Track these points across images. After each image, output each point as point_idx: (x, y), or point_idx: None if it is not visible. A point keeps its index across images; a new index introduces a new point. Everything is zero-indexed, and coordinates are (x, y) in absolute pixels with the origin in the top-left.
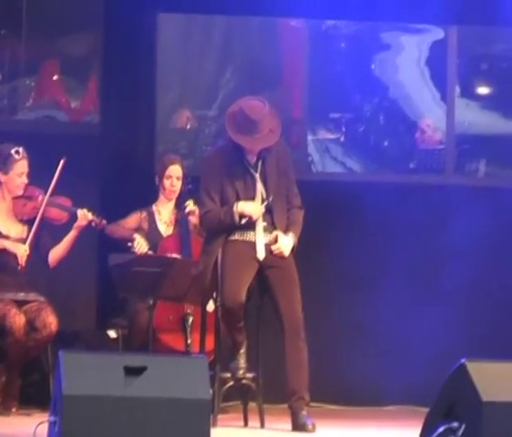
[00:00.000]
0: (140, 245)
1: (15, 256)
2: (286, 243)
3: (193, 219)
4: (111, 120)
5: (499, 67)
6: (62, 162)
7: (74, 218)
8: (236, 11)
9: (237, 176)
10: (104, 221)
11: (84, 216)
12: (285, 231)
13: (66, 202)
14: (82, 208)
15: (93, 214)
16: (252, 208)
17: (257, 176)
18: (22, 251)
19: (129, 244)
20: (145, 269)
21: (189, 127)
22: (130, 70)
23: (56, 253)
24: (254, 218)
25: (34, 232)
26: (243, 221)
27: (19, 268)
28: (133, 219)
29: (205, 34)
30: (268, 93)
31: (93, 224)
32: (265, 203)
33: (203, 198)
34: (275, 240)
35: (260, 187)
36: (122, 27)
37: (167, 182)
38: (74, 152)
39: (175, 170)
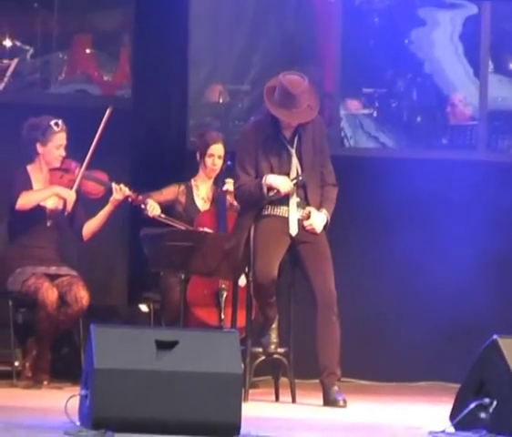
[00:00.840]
0: (153, 208)
1: (50, 216)
2: (319, 220)
3: (230, 198)
4: (143, 94)
5: None
6: (109, 110)
7: (110, 192)
8: None
9: (272, 150)
10: (140, 197)
11: (120, 191)
12: (319, 208)
13: (103, 176)
14: (118, 182)
15: (129, 189)
16: (281, 181)
17: (293, 151)
18: (71, 196)
19: (142, 206)
20: (177, 244)
21: (221, 101)
22: (162, 44)
23: (90, 227)
24: (282, 191)
25: (76, 187)
26: (271, 194)
27: (66, 214)
28: (170, 191)
29: (237, 8)
30: (301, 68)
31: (129, 199)
32: (295, 180)
33: (238, 171)
34: (308, 216)
35: (295, 162)
36: (154, 2)
37: (208, 160)
38: (110, 121)
39: (217, 149)
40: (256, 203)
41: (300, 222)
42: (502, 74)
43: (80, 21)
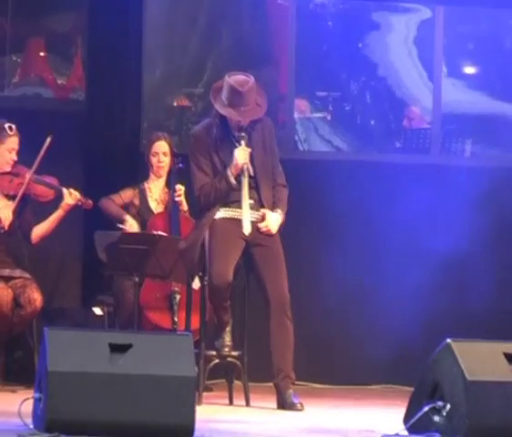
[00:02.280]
0: (132, 226)
1: None
2: (274, 220)
3: (183, 206)
4: (97, 97)
5: (485, 47)
6: (48, 140)
7: (60, 196)
8: None
9: (224, 150)
10: (90, 201)
11: (71, 195)
12: (272, 209)
13: (53, 181)
14: (68, 187)
15: (79, 194)
16: (236, 156)
17: None
18: (5, 214)
19: (120, 225)
20: (130, 247)
21: (175, 104)
22: (116, 47)
23: (39, 230)
24: (242, 162)
25: (16, 203)
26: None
27: (2, 231)
28: (128, 194)
29: (192, 11)
30: (255, 71)
31: (79, 204)
32: (242, 140)
33: (196, 173)
34: (262, 218)
35: None
36: (108, 4)
37: (153, 159)
38: (60, 129)
39: (161, 146)
40: (222, 197)
41: (254, 224)
42: (455, 77)
43: (34, 24)
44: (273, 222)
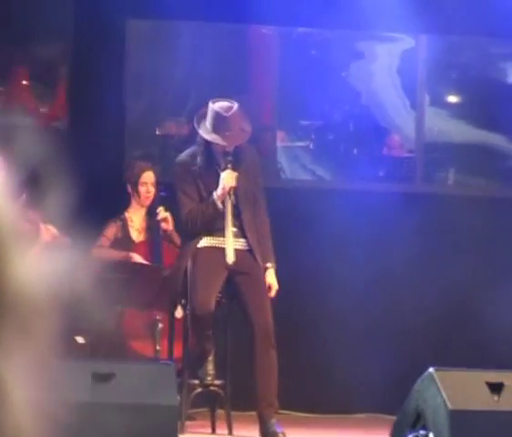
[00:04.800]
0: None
1: None
2: (274, 279)
3: (165, 225)
4: (80, 126)
5: (469, 76)
6: None
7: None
8: (206, 18)
9: (209, 178)
10: (67, 238)
11: (47, 231)
12: (263, 260)
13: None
14: (46, 222)
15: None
16: (223, 180)
17: None
18: None
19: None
20: (113, 276)
21: (158, 132)
22: (99, 76)
23: None
24: (228, 186)
25: None
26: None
27: None
28: (110, 231)
29: (174, 40)
30: (237, 99)
31: (55, 241)
32: (228, 163)
33: (182, 199)
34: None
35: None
36: (91, 33)
37: (142, 189)
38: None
39: (149, 176)
40: (209, 222)
41: (237, 252)
42: (438, 106)
43: (17, 53)
44: (274, 280)
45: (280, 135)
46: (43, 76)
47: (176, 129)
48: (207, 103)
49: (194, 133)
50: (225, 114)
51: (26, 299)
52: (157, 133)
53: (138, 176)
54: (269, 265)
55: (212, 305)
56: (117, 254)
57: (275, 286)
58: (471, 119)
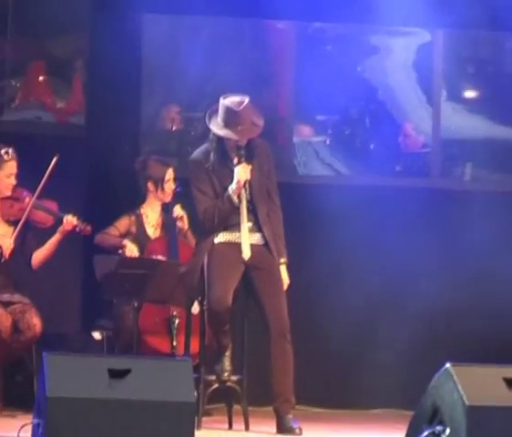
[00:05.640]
0: (131, 251)
1: None
2: (285, 276)
3: (180, 224)
4: (97, 121)
5: (485, 71)
6: (54, 160)
7: (59, 222)
8: (222, 12)
9: (223, 174)
10: (88, 227)
11: (69, 221)
12: (272, 240)
13: (53, 206)
14: (67, 212)
15: (78, 219)
16: (237, 174)
17: None
18: (6, 244)
19: (120, 251)
20: (129, 271)
21: (174, 128)
22: (116, 71)
23: (39, 255)
24: (243, 180)
25: (18, 231)
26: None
27: (2, 260)
28: (123, 224)
29: (191, 35)
30: (254, 94)
31: (77, 229)
32: (240, 156)
33: (198, 197)
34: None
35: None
36: (107, 28)
37: (166, 186)
38: (60, 153)
39: (171, 173)
40: (226, 218)
41: (253, 247)
42: (455, 101)
43: (34, 48)
44: (286, 276)
45: (306, 128)
46: (59, 71)
47: (173, 122)
48: (219, 99)
49: (208, 129)
50: (236, 108)
51: None
52: (173, 128)
53: (164, 173)
54: (282, 260)
55: (229, 300)
56: (113, 240)
57: (287, 281)
58: (488, 114)
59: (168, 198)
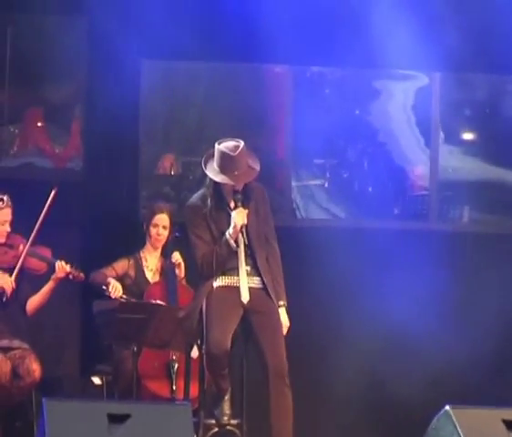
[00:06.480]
0: (115, 288)
1: None
2: (285, 317)
3: (177, 271)
4: (94, 166)
5: (482, 113)
6: (53, 193)
7: (53, 268)
8: (219, 58)
9: (220, 219)
10: (81, 274)
11: (61, 268)
12: (270, 283)
13: (46, 252)
14: (61, 259)
15: (71, 266)
16: (234, 219)
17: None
18: (8, 283)
19: (104, 288)
20: (129, 316)
21: (173, 172)
22: (113, 116)
23: (33, 302)
24: (240, 224)
25: (15, 275)
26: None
27: (4, 299)
28: (120, 266)
29: (189, 80)
30: (252, 138)
31: (70, 276)
32: (238, 201)
33: (196, 243)
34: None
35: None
36: (105, 74)
37: (153, 230)
38: (58, 198)
39: (162, 219)
40: (223, 263)
41: (251, 290)
42: (453, 144)
43: (32, 94)
44: (286, 319)
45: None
46: (57, 116)
47: (171, 167)
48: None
49: (205, 175)
50: (232, 153)
51: None
52: (171, 173)
53: (152, 216)
54: (281, 303)
55: (228, 344)
56: (100, 276)
57: (287, 324)
58: (485, 156)
59: (155, 244)
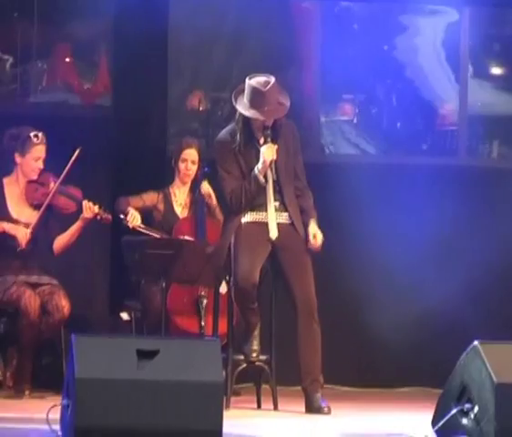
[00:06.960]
0: (133, 217)
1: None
2: (317, 229)
3: (208, 200)
4: (123, 102)
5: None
6: (77, 152)
7: (81, 208)
8: None
9: (249, 155)
10: (109, 216)
11: (89, 208)
12: (300, 214)
13: (77, 192)
14: (89, 200)
15: (99, 207)
16: (263, 154)
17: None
18: (22, 234)
19: (122, 216)
20: (157, 252)
21: (201, 108)
22: (142, 52)
23: (60, 241)
24: (269, 159)
25: (39, 217)
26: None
27: (18, 249)
28: (149, 197)
29: (217, 15)
30: (281, 74)
31: (98, 217)
32: (267, 136)
33: (225, 178)
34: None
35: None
36: (133, 9)
37: (182, 165)
38: (87, 135)
39: (190, 154)
40: (253, 198)
41: (279, 226)
42: (482, 78)
43: (60, 30)
44: (318, 230)
45: (348, 107)
46: (85, 53)
47: (199, 103)
48: (244, 79)
49: (234, 110)
50: (262, 89)
51: None
52: (200, 108)
53: (180, 151)
54: (312, 218)
55: (256, 277)
56: (122, 203)
57: (319, 234)
58: None
59: (184, 179)
